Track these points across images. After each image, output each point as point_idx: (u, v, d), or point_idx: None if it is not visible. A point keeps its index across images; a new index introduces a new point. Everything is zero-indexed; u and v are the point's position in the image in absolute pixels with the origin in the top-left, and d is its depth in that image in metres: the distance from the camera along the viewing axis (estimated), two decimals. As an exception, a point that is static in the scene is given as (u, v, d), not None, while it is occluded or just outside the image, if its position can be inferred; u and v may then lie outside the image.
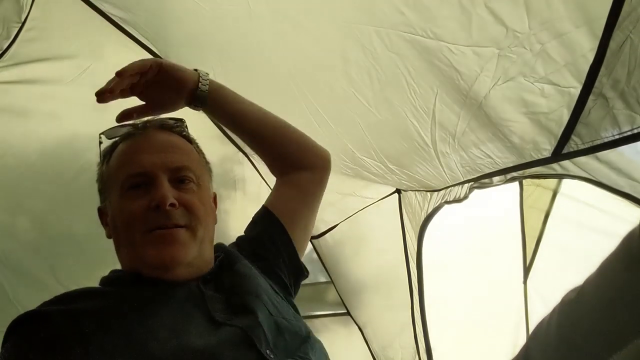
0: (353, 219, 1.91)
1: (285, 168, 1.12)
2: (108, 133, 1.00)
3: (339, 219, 1.94)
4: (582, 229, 1.75)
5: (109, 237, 0.95)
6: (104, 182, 0.96)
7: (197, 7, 1.30)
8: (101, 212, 0.97)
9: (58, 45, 1.53)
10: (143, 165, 0.88)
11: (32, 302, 1.55)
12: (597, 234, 1.64)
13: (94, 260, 1.63)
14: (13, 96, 1.50)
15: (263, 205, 1.09)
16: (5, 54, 1.43)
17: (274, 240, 1.03)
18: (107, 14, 1.55)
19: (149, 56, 1.65)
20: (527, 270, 2.01)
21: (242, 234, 1.09)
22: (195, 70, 1.00)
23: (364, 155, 1.50)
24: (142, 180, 0.88)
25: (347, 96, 1.29)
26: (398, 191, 1.78)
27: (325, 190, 1.85)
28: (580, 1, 0.87)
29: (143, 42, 1.63)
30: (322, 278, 2.09)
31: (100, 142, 1.00)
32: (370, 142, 1.42)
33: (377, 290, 1.96)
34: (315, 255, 2.09)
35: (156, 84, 0.96)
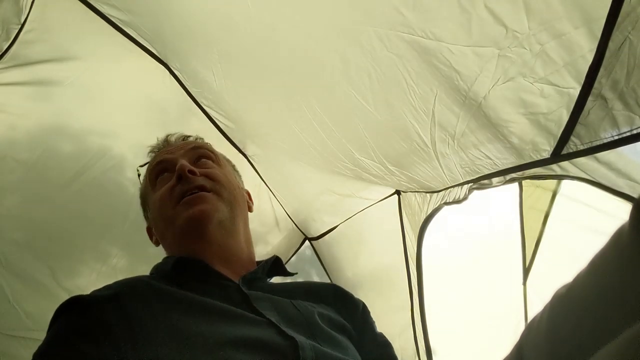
0: (353, 220, 1.91)
1: None
2: (143, 165, 1.11)
3: (338, 220, 1.94)
4: (582, 229, 1.75)
5: (157, 244, 1.02)
6: (144, 200, 1.05)
7: (197, 8, 1.30)
8: (149, 230, 1.05)
9: (57, 46, 1.53)
10: (162, 157, 0.99)
11: (32, 304, 1.56)
12: (596, 234, 1.64)
13: (94, 262, 1.63)
14: (13, 98, 1.50)
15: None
16: (5, 56, 1.43)
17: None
18: (106, 15, 1.55)
19: (149, 57, 1.65)
20: (526, 271, 2.01)
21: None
22: None
23: (363, 156, 1.50)
24: (164, 166, 0.97)
25: (346, 97, 1.29)
26: (398, 192, 1.78)
27: (325, 191, 1.86)
28: (580, 2, 0.87)
29: (142, 43, 1.63)
30: (316, 277, 2.09)
31: (139, 175, 1.11)
32: (370, 143, 1.42)
33: (377, 292, 1.96)
34: (315, 256, 2.09)
35: None
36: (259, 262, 1.00)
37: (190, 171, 0.91)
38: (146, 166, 1.08)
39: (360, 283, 1.96)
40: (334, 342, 0.83)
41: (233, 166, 1.15)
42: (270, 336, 0.75)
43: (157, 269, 0.95)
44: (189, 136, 1.11)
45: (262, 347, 0.72)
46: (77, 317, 0.75)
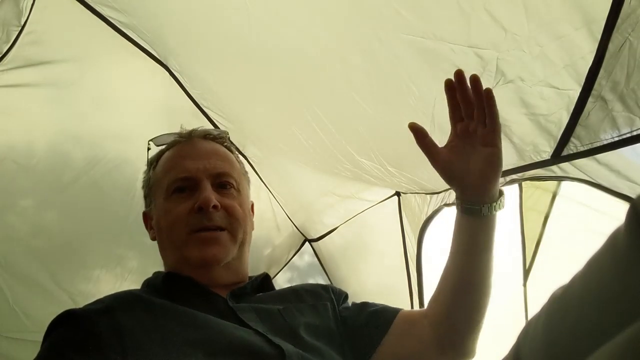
0: (353, 221, 1.91)
1: (440, 341, 1.02)
2: (156, 140, 1.06)
3: (338, 221, 1.94)
4: (582, 231, 1.75)
5: (153, 239, 1.00)
6: (150, 188, 1.02)
7: (197, 11, 1.30)
8: (146, 216, 1.03)
9: (57, 48, 1.54)
10: (188, 170, 0.94)
11: (32, 306, 1.56)
12: (596, 236, 1.63)
13: (94, 264, 1.63)
14: (13, 100, 1.51)
15: (391, 314, 1.01)
16: (5, 58, 1.43)
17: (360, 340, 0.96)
18: (107, 17, 1.55)
19: (149, 59, 1.65)
20: (526, 272, 2.01)
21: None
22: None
23: (363, 158, 1.50)
24: (186, 184, 0.94)
25: (346, 98, 1.29)
26: (398, 194, 1.78)
27: (325, 193, 1.86)
28: (579, 3, 0.87)
29: (142, 45, 1.63)
30: (322, 281, 2.09)
31: (149, 149, 1.06)
32: (370, 144, 1.42)
33: (377, 293, 1.96)
34: (315, 258, 2.09)
35: (470, 145, 0.85)
36: (250, 277, 1.01)
37: (214, 206, 0.91)
38: (161, 147, 1.04)
39: (360, 284, 1.95)
40: (318, 352, 0.85)
41: (245, 173, 1.08)
42: (258, 344, 0.77)
43: (148, 284, 0.96)
44: (211, 134, 1.04)
45: (250, 355, 0.75)
46: (69, 330, 0.78)
